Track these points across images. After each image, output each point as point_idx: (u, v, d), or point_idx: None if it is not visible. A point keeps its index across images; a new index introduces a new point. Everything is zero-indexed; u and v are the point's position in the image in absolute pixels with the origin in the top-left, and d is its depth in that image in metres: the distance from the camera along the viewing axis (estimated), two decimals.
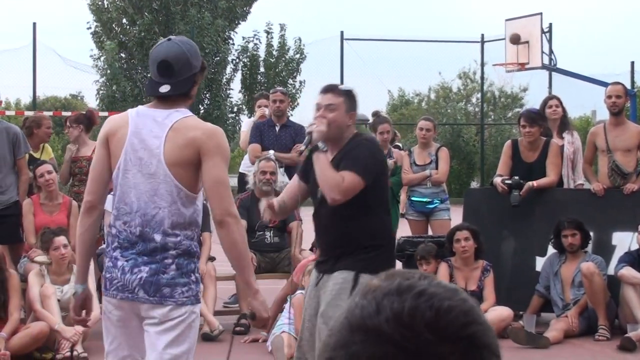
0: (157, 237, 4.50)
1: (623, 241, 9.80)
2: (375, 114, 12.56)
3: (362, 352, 1.35)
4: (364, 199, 5.37)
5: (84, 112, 11.24)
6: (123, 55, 32.56)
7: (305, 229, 9.91)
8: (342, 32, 28.49)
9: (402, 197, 11.21)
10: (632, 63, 25.67)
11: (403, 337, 1.33)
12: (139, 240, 4.52)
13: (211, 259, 9.73)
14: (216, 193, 4.50)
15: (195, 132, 4.51)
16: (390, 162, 10.86)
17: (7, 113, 24.54)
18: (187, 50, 4.67)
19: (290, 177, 10.67)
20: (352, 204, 5.33)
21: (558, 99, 11.03)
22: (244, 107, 32.63)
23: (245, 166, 11.26)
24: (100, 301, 10.23)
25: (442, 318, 1.34)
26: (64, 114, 29.84)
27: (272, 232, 9.90)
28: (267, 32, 33.18)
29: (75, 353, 8.19)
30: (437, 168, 11.14)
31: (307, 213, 10.62)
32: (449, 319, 1.35)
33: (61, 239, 8.65)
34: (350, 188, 5.29)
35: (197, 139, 4.48)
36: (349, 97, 5.50)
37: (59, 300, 8.43)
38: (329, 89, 5.53)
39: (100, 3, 33.52)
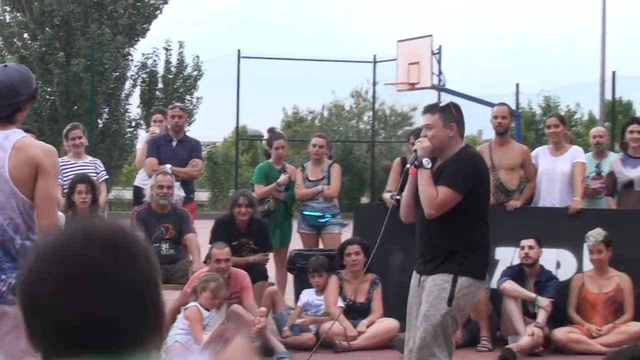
0: (16, 244, 4.87)
1: (505, 256, 10.10)
2: (271, 130, 12.79)
3: None
4: (463, 209, 5.89)
5: None
6: None
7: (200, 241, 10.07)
8: (239, 50, 28.59)
9: None
10: (517, 85, 26.34)
11: None
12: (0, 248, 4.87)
13: None
14: (46, 207, 4.90)
15: (36, 151, 4.90)
16: (284, 177, 11.11)
17: None
18: (15, 77, 4.96)
19: (186, 191, 10.84)
20: (452, 214, 5.89)
21: None
22: (142, 121, 32.65)
23: (140, 179, 11.28)
24: None
25: None
26: None
27: (167, 243, 9.92)
28: (166, 49, 33.30)
29: None
30: (329, 184, 11.37)
31: (201, 225, 10.79)
32: None
33: None
34: (444, 202, 5.89)
35: (37, 156, 4.86)
36: (444, 111, 6.08)
37: None
38: (425, 110, 6.26)
39: (1, 17, 33.09)
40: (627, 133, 10.46)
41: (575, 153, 10.45)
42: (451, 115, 6.08)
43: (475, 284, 6.01)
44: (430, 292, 5.95)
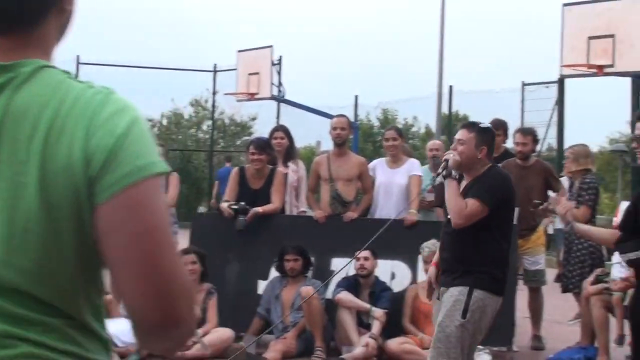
0: None
1: (341, 266, 10.16)
2: None
3: None
4: (487, 224, 5.99)
5: None
6: None
7: None
8: (77, 57, 28.18)
9: None
10: (356, 97, 26.76)
11: None
12: None
13: None
14: None
15: None
16: None
17: None
18: None
19: None
20: (475, 227, 5.98)
21: (284, 129, 11.33)
22: None
23: None
24: None
25: None
26: None
27: None
28: None
29: None
30: (167, 192, 11.24)
31: None
32: None
33: None
34: (472, 214, 5.98)
35: None
36: (482, 134, 6.20)
37: None
38: (463, 126, 6.35)
39: None
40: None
41: (412, 166, 10.59)
42: (486, 139, 6.24)
43: (491, 299, 6.04)
44: (446, 304, 6.05)
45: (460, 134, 6.23)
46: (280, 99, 21.83)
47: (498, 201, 6.04)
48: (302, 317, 9.53)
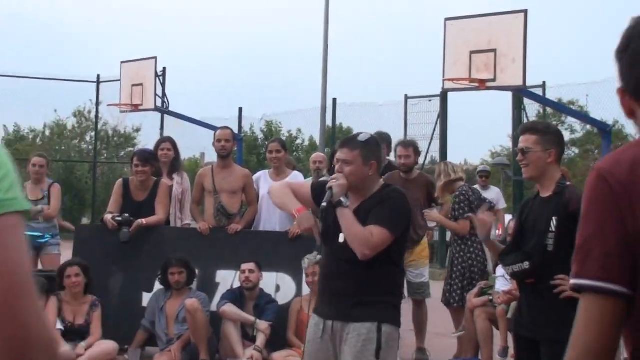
0: None
1: (226, 279, 10.20)
2: None
3: None
4: (387, 250, 5.33)
5: None
6: None
7: None
8: None
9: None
10: (240, 109, 26.74)
11: None
12: None
13: None
14: None
15: None
16: None
17: None
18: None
19: None
20: (376, 256, 5.31)
21: (171, 141, 11.32)
22: None
23: None
24: None
25: None
26: None
27: None
28: None
29: None
30: (49, 203, 11.14)
31: None
32: None
33: None
34: (380, 243, 5.27)
35: None
36: (366, 147, 5.44)
37: None
38: (343, 144, 5.56)
39: None
40: (335, 159, 10.75)
41: (296, 179, 10.67)
42: (373, 152, 5.47)
43: (398, 332, 5.49)
44: (354, 344, 5.28)
45: (344, 154, 5.46)
46: (164, 111, 21.71)
47: (403, 227, 5.46)
48: (187, 330, 9.53)
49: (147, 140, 30.89)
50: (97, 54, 75.32)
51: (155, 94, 19.79)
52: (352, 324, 5.32)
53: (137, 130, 39.86)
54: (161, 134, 24.07)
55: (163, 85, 21.52)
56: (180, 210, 10.81)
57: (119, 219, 10.11)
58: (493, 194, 15.35)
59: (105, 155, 39.63)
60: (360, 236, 5.27)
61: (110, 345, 9.44)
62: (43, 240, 11.09)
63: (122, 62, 20.68)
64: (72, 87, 30.73)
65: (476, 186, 12.24)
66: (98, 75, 29.10)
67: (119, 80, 20.90)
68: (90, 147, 38.03)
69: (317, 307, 5.68)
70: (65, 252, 11.05)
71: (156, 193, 10.27)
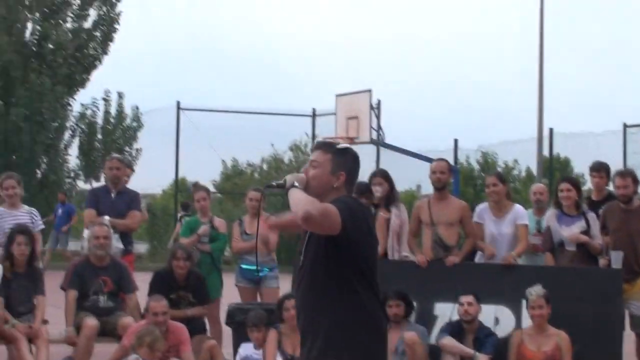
0: None
1: (444, 311, 10.07)
2: (194, 185, 13.02)
3: None
4: (340, 271, 4.54)
5: None
6: None
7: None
8: (178, 102, 28.87)
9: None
10: (456, 141, 26.67)
11: None
12: None
13: (45, 321, 9.71)
14: None
15: None
16: (204, 228, 11.19)
17: None
18: None
19: (124, 243, 10.76)
20: (324, 276, 4.56)
21: (384, 173, 11.30)
22: (81, 172, 32.45)
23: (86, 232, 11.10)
24: None
25: None
26: None
27: (105, 296, 9.90)
28: (105, 100, 33.29)
29: None
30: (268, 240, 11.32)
31: (140, 278, 10.68)
32: None
33: None
34: (328, 212, 4.39)
35: None
36: (339, 157, 4.82)
37: None
38: (318, 146, 4.99)
39: None
40: (559, 192, 10.52)
41: (518, 214, 10.52)
42: (345, 162, 4.83)
43: None
44: None
45: (314, 156, 4.86)
46: (379, 143, 21.88)
47: (349, 222, 4.45)
48: None
49: (362, 173, 31.06)
50: (313, 87, 76.81)
51: (371, 127, 19.95)
52: None
53: None
54: (377, 166, 24.23)
55: (378, 117, 21.70)
56: (398, 243, 10.77)
57: None
58: None
59: None
60: (307, 199, 4.53)
61: None
62: (262, 274, 11.29)
63: (337, 95, 20.97)
64: (288, 121, 31.47)
65: None
66: (313, 109, 29.71)
67: (334, 113, 21.20)
68: None
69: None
70: (285, 285, 11.19)
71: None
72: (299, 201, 4.50)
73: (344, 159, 4.84)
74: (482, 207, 10.90)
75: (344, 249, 4.52)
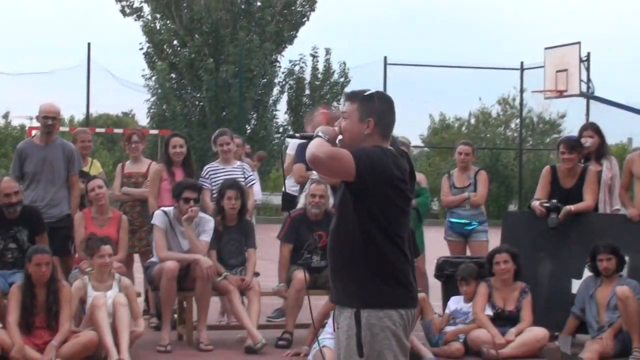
0: None
1: None
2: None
3: None
4: (357, 217, 4.47)
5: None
6: (173, 75, 33.15)
7: None
8: (385, 57, 29.03)
9: None
10: None
11: None
12: None
13: (256, 274, 9.98)
14: None
15: None
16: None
17: (62, 129, 25.03)
18: None
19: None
20: (348, 223, 4.49)
21: (594, 127, 11.11)
22: (290, 127, 33.13)
23: (290, 186, 11.21)
24: (146, 313, 10.54)
25: None
26: (116, 131, 30.44)
27: (319, 255, 9.92)
28: (313, 56, 33.85)
29: None
30: (475, 190, 11.35)
31: None
32: None
33: (107, 249, 8.90)
34: (337, 156, 4.40)
35: None
36: (366, 103, 4.62)
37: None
38: (346, 97, 4.81)
39: (152, 25, 34.08)
40: None
41: None
42: (372, 108, 4.61)
43: (389, 316, 4.45)
44: (340, 343, 4.57)
45: (344, 107, 4.69)
46: (589, 96, 21.44)
47: (368, 167, 4.38)
48: (619, 317, 9.34)
49: (572, 126, 30.58)
50: (520, 40, 75.57)
51: (580, 80, 19.59)
52: (340, 313, 4.59)
53: (562, 116, 39.68)
54: (586, 119, 23.74)
55: (588, 70, 21.25)
56: (610, 196, 10.59)
57: (547, 205, 10.13)
58: None
59: (531, 142, 39.77)
60: (320, 141, 4.47)
61: (540, 331, 9.45)
62: (470, 228, 11.33)
63: (545, 49, 20.68)
64: (495, 74, 31.17)
65: None
66: (521, 63, 29.30)
67: (543, 66, 20.89)
68: (515, 134, 38.42)
69: None
70: (493, 239, 11.21)
71: (584, 179, 10.18)
72: (311, 146, 4.44)
73: (371, 104, 4.63)
74: None
75: (360, 195, 4.45)
